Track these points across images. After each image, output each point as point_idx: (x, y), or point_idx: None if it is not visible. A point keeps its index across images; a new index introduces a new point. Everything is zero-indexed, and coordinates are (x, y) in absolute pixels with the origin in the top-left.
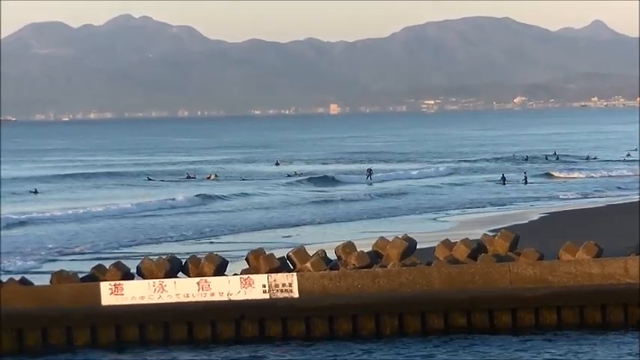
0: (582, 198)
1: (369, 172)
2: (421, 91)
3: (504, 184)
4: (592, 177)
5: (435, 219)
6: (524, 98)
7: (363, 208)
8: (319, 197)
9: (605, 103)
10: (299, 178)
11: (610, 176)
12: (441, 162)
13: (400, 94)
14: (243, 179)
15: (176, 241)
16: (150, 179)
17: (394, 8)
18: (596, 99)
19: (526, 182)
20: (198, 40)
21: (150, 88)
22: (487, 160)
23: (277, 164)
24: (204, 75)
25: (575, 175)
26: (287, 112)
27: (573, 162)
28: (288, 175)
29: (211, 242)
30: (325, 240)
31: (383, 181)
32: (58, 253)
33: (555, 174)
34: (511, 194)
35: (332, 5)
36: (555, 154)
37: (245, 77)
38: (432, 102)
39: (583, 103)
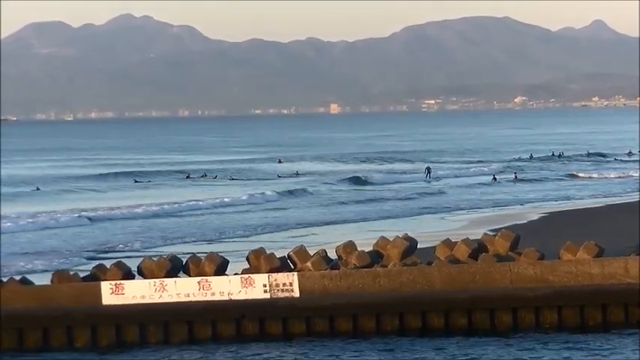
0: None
1: (428, 170)
2: (421, 90)
3: (494, 180)
4: (619, 177)
5: (442, 218)
6: (524, 98)
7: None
8: (369, 197)
9: (605, 103)
10: (339, 178)
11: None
12: (490, 161)
13: (400, 93)
14: (233, 179)
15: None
16: (136, 181)
17: (394, 8)
18: (596, 99)
19: (516, 180)
20: (199, 40)
21: (150, 87)
22: (526, 160)
23: (280, 162)
24: (204, 75)
25: (595, 175)
26: (287, 111)
27: (576, 160)
28: (279, 176)
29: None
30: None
31: (440, 178)
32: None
33: (580, 174)
34: (503, 193)
35: (332, 5)
36: (561, 153)
37: (245, 77)
38: (433, 102)
39: (583, 103)
